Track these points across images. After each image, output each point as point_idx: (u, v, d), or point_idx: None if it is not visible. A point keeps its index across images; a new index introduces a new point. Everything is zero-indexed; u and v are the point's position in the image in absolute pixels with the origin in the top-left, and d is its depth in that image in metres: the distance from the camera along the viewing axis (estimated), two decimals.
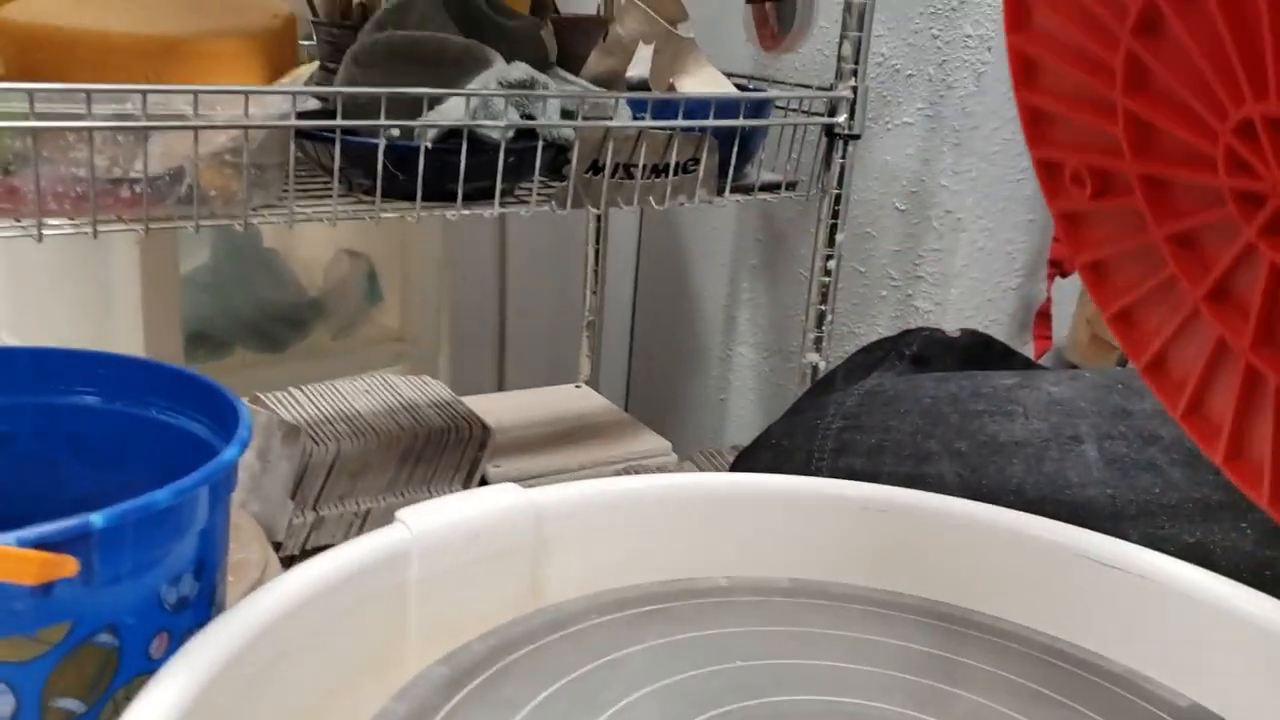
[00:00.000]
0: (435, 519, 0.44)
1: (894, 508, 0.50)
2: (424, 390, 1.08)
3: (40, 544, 0.34)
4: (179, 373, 0.47)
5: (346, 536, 0.95)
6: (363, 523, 0.96)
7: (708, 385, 1.40)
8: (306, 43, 0.85)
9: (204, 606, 0.42)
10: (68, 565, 0.34)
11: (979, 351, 0.69)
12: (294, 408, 1.00)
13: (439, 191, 0.74)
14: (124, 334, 1.03)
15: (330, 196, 0.72)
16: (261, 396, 1.01)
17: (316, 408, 1.01)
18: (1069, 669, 0.43)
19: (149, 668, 0.39)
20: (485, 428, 1.02)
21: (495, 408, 1.13)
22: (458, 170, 0.72)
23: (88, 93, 0.59)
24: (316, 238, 1.28)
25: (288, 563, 0.92)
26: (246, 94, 0.63)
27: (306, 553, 0.92)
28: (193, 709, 0.33)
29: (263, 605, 0.38)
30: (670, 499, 0.50)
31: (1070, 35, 0.34)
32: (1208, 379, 0.34)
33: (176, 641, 0.40)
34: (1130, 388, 0.55)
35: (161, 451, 0.47)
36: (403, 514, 0.44)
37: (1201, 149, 0.31)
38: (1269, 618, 0.41)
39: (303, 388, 1.04)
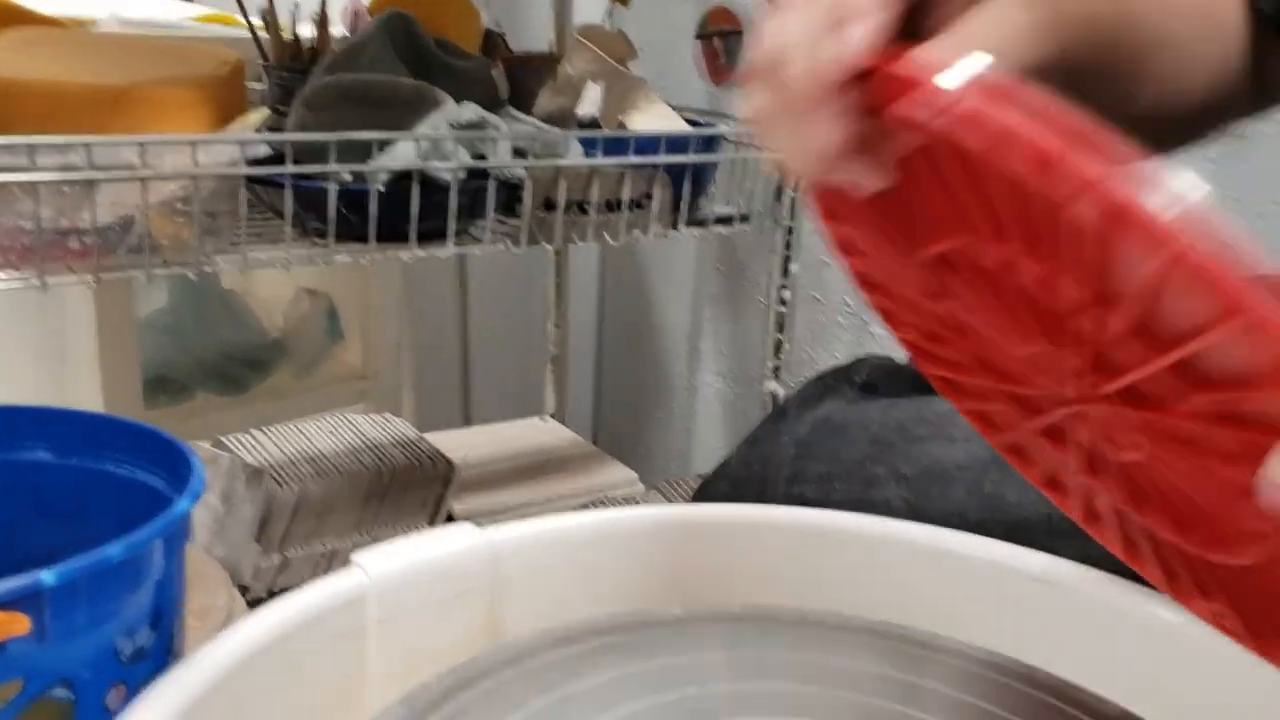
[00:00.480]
0: (391, 562, 0.45)
1: (843, 533, 0.51)
2: (387, 428, 1.08)
3: None
4: (132, 426, 0.48)
5: (314, 577, 0.95)
6: (329, 563, 0.96)
7: (674, 414, 1.41)
8: (256, 85, 0.85)
9: (161, 656, 0.42)
10: (19, 624, 0.34)
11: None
12: (257, 450, 1.00)
13: (393, 232, 0.75)
14: (82, 381, 1.02)
15: (285, 240, 0.72)
16: (224, 440, 1.01)
17: (280, 449, 1.01)
18: (1007, 682, 0.44)
19: None
20: (449, 464, 1.02)
21: (460, 443, 1.13)
22: (411, 211, 0.73)
23: (29, 146, 0.59)
24: (276, 277, 1.28)
25: (255, 606, 0.92)
26: (194, 143, 0.64)
27: (274, 595, 0.92)
28: None
29: (218, 654, 0.38)
30: (623, 533, 0.50)
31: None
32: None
33: (133, 693, 0.40)
34: None
35: (119, 505, 0.48)
36: (358, 558, 0.45)
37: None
38: (1193, 627, 0.42)
39: (265, 429, 1.05)
